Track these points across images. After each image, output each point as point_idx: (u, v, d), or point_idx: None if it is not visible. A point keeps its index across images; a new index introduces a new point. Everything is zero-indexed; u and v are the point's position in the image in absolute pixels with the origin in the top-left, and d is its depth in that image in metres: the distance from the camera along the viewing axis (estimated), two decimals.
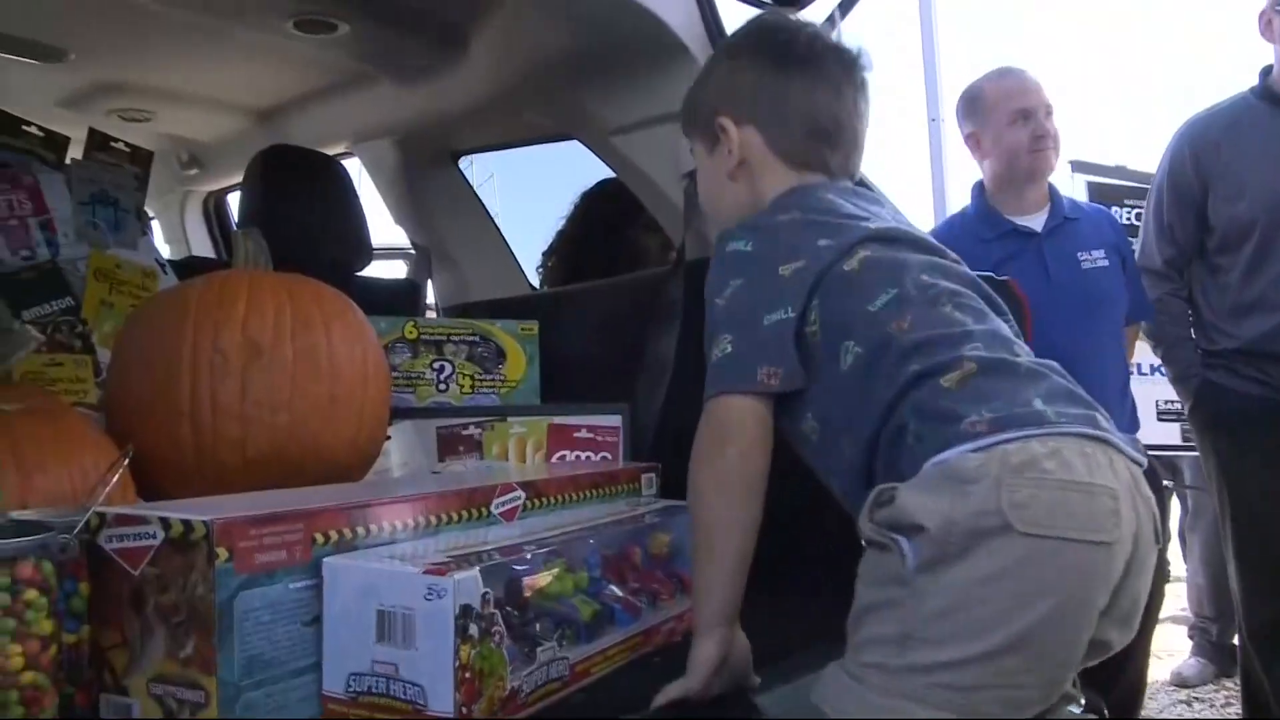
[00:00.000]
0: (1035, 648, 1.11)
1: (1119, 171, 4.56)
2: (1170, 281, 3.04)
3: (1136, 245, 3.07)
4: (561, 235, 2.99)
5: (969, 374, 1.22)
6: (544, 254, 3.01)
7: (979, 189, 2.93)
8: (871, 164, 1.71)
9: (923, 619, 1.12)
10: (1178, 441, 4.44)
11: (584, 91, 2.32)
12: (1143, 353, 4.28)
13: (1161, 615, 5.12)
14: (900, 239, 1.43)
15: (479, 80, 2.44)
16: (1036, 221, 2.84)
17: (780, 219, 1.44)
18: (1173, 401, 4.34)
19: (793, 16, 1.66)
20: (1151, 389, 4.34)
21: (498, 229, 2.93)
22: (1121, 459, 1.19)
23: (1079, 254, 2.80)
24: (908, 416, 1.23)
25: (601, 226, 2.84)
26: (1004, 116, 2.83)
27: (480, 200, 2.95)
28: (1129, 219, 4.45)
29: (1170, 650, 4.65)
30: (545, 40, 2.21)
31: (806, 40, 1.56)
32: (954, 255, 1.47)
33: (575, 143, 2.58)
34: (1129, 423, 2.79)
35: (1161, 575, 1.26)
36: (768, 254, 1.39)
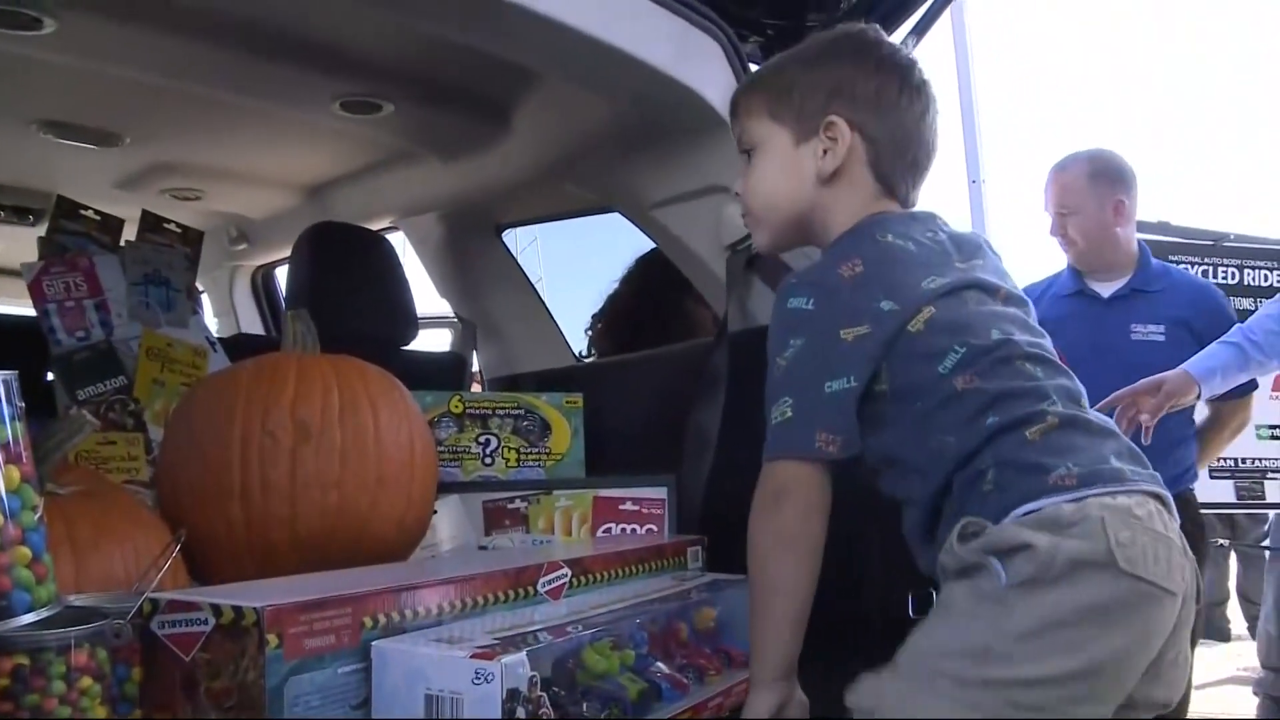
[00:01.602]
0: (1100, 680, 1.15)
1: (1161, 227, 4.53)
2: None
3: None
4: (614, 299, 2.99)
5: (1050, 427, 1.26)
6: (593, 317, 3.01)
7: None
8: None
9: (1007, 635, 1.16)
10: (1232, 499, 4.37)
11: (624, 165, 2.35)
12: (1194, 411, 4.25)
13: (1221, 675, 5.04)
14: (969, 287, 1.39)
15: (521, 155, 2.48)
16: (1107, 288, 2.88)
17: (842, 273, 1.38)
18: (1225, 459, 4.28)
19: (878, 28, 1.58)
20: None
21: (542, 301, 2.95)
22: (1174, 520, 1.26)
23: (1133, 325, 2.84)
24: (988, 465, 1.26)
25: (655, 292, 2.84)
26: None
27: (524, 272, 2.98)
28: None
29: (1230, 712, 4.55)
30: (586, 116, 2.24)
31: (909, 59, 1.53)
32: (1024, 298, 1.46)
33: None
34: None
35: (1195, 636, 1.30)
36: (828, 316, 1.37)
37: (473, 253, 2.94)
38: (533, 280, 3.00)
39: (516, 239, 3.11)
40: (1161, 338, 2.83)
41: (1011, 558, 1.18)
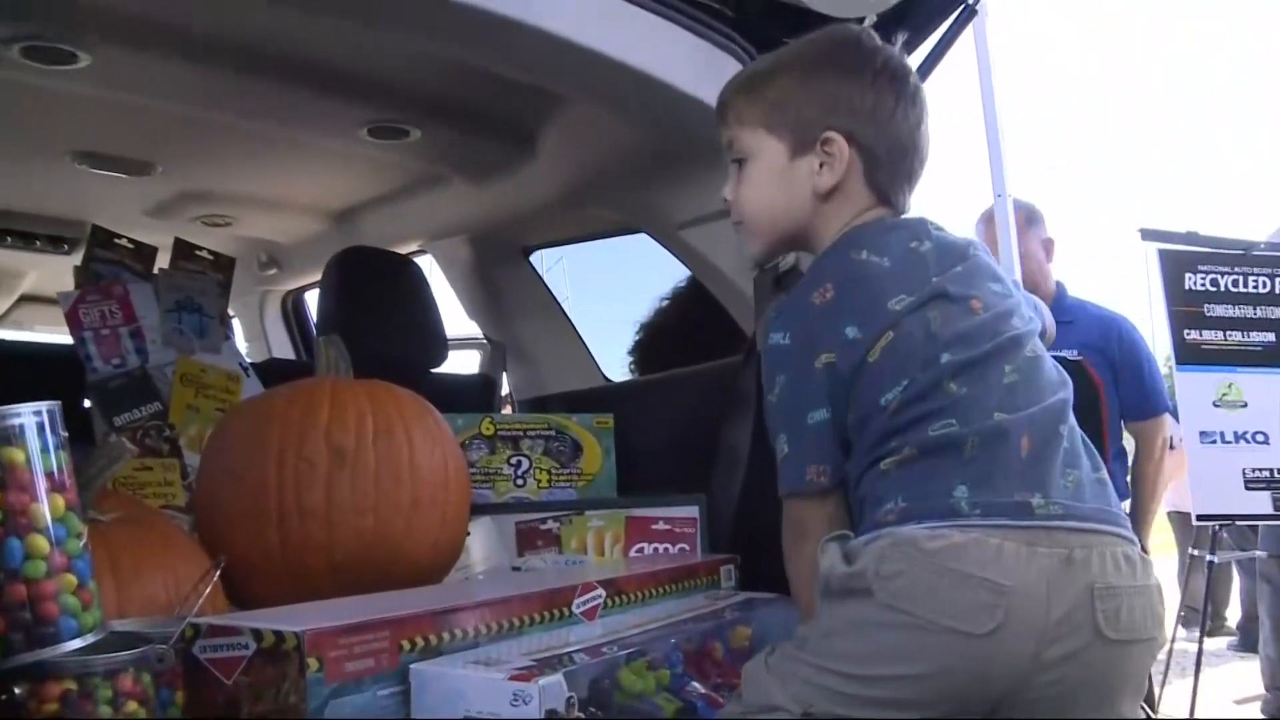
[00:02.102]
0: (883, 689, 1.21)
1: (1189, 238, 4.50)
2: None
3: None
4: (663, 313, 2.97)
5: (906, 459, 1.28)
6: (642, 325, 2.98)
7: None
8: None
9: (815, 631, 1.29)
10: (1269, 510, 4.32)
11: (651, 187, 2.36)
12: (1227, 422, 4.22)
13: (1237, 697, 4.99)
14: (935, 300, 1.36)
15: (547, 178, 2.49)
16: None
17: (814, 300, 1.37)
18: (1260, 469, 4.25)
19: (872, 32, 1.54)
20: (1238, 457, 4.25)
21: (570, 321, 2.96)
22: (1058, 549, 1.21)
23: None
24: (862, 495, 1.33)
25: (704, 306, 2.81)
26: None
27: (552, 293, 2.99)
28: (1202, 284, 4.39)
29: None
30: (612, 139, 2.26)
31: (899, 61, 1.49)
32: (1006, 295, 1.43)
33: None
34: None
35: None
36: (803, 346, 1.35)
37: (500, 275, 2.96)
38: (559, 300, 3.02)
39: (542, 259, 3.12)
40: (1078, 358, 3.04)
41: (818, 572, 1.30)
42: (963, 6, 2.17)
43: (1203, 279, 4.40)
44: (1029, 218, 3.43)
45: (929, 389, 1.29)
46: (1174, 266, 4.37)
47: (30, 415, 1.09)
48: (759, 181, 1.49)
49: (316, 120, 2.34)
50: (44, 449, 1.10)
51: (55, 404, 1.14)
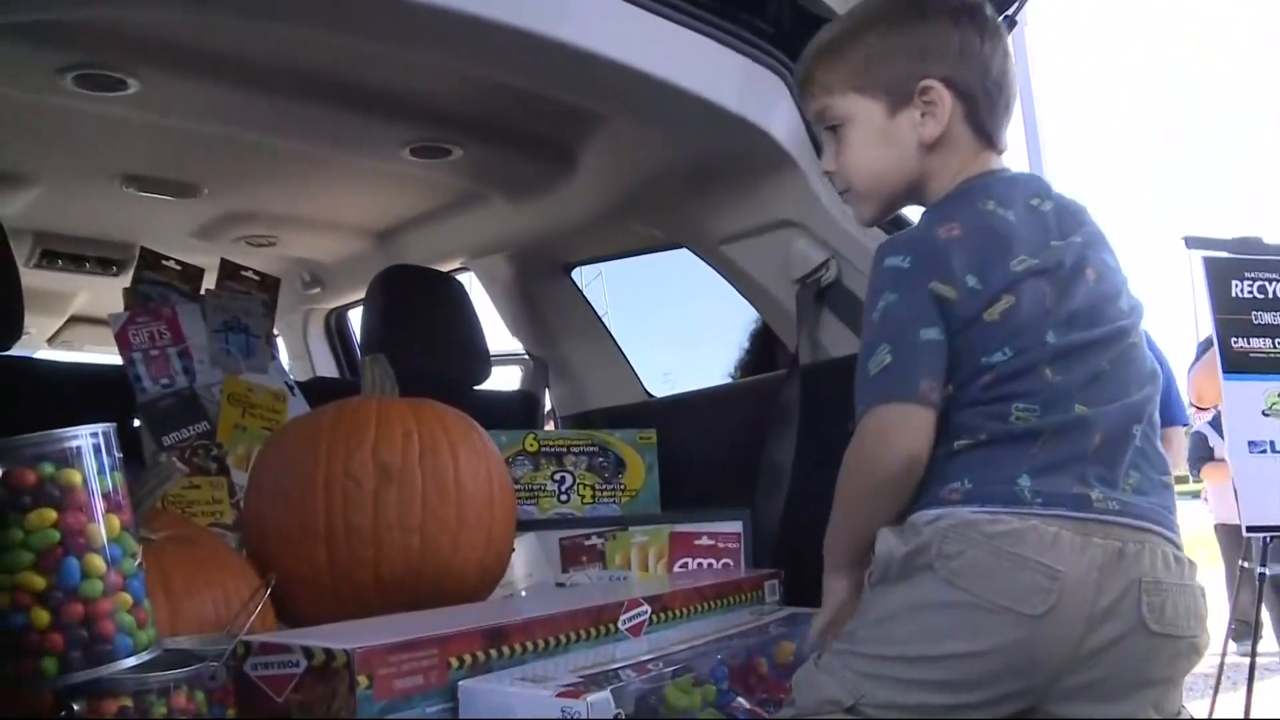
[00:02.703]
0: (941, 671, 1.24)
1: (1236, 244, 4.44)
2: None
3: None
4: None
5: (980, 443, 1.29)
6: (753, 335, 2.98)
7: None
8: None
9: (864, 622, 1.32)
10: None
11: (692, 203, 2.36)
12: (1276, 431, 4.15)
13: None
14: (1055, 269, 1.35)
15: (589, 195, 2.51)
16: None
17: (939, 234, 1.35)
18: None
19: None
20: None
21: (612, 337, 2.97)
22: (1113, 542, 1.24)
23: None
24: (929, 467, 1.31)
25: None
26: None
27: (594, 309, 3.00)
28: (1249, 292, 4.33)
29: None
30: (653, 156, 2.27)
31: (986, 4, 1.47)
32: (1115, 270, 1.42)
33: None
34: None
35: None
36: (923, 269, 1.33)
37: (542, 291, 2.97)
38: (598, 313, 3.03)
39: (581, 273, 3.14)
40: None
41: (874, 559, 1.32)
42: (1001, 18, 2.16)
43: (1250, 286, 4.32)
44: None
45: (1026, 369, 1.30)
46: (1220, 274, 4.31)
47: (87, 437, 1.12)
48: (860, 144, 1.47)
49: (360, 141, 2.36)
50: (100, 470, 1.13)
51: (111, 426, 1.16)
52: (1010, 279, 1.32)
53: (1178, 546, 1.31)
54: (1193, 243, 4.29)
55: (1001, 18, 2.13)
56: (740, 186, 2.24)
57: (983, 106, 1.43)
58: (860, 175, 1.49)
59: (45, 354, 3.74)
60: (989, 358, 1.30)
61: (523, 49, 1.78)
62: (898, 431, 1.30)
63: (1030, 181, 1.45)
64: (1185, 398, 5.22)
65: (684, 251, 2.61)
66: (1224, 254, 4.37)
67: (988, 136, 1.44)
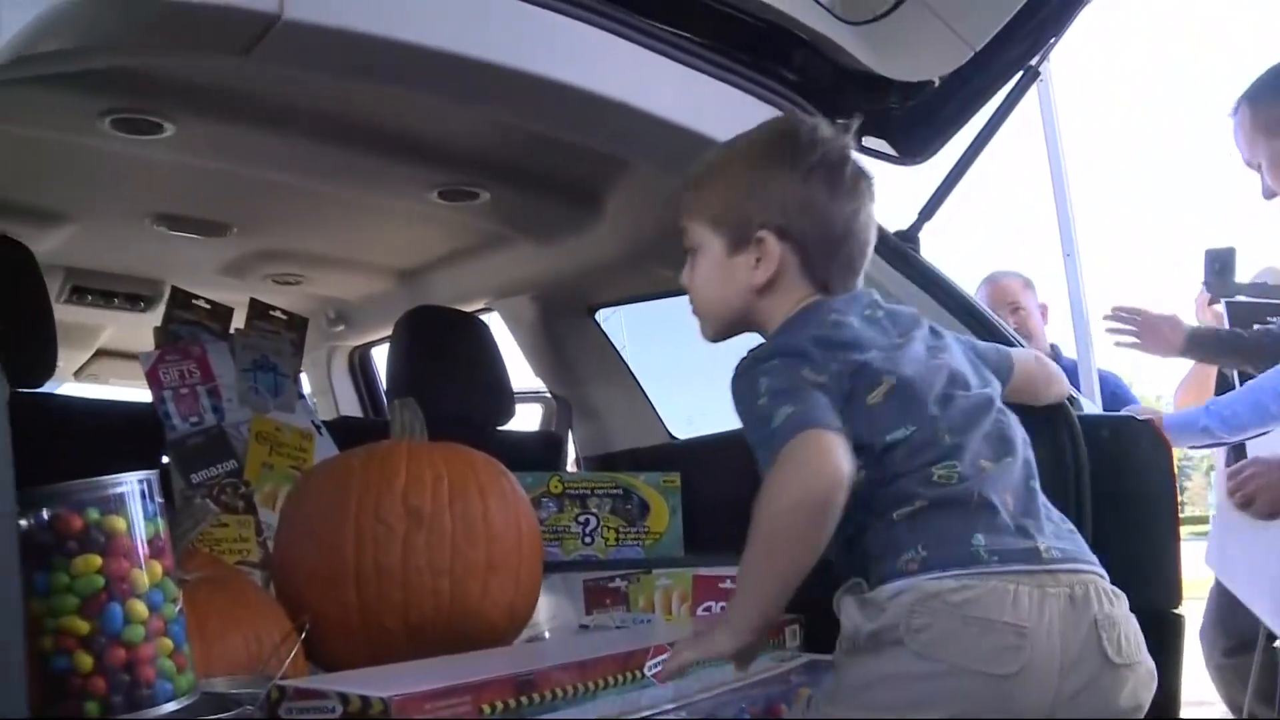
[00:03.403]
0: None
1: (1258, 289, 4.44)
2: None
3: None
4: None
5: (918, 510, 1.32)
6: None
7: None
8: None
9: (843, 688, 1.34)
10: None
11: None
12: None
13: None
14: (912, 354, 1.44)
15: (614, 239, 2.53)
16: None
17: (793, 342, 1.42)
18: None
19: (816, 122, 1.58)
20: None
21: (635, 379, 2.98)
22: (1062, 589, 1.30)
23: None
24: (869, 540, 1.34)
25: None
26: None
27: (618, 351, 3.01)
28: None
29: None
30: (676, 201, 2.29)
31: (838, 151, 1.52)
32: (972, 379, 1.48)
33: None
34: None
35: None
36: (792, 363, 1.38)
37: (566, 333, 2.98)
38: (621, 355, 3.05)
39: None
40: None
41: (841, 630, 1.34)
42: (1025, 69, 2.19)
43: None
44: (1026, 284, 3.72)
45: (929, 440, 1.36)
46: (1243, 318, 4.31)
47: (133, 484, 1.13)
48: (703, 273, 1.56)
49: (389, 183, 2.39)
50: (144, 516, 1.14)
51: (154, 473, 1.18)
52: (873, 368, 1.38)
53: (1109, 581, 1.38)
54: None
55: (1024, 68, 2.19)
56: None
57: (819, 260, 1.50)
58: (700, 301, 1.58)
59: (70, 388, 3.77)
60: (892, 435, 1.35)
61: (551, 98, 1.80)
62: (821, 454, 1.27)
63: (862, 296, 1.53)
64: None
65: None
66: (1248, 299, 4.36)
67: (823, 285, 1.51)
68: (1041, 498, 1.41)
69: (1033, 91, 2.26)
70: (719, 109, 1.94)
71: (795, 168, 1.50)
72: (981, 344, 1.65)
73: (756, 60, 2.03)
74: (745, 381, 1.40)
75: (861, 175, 1.54)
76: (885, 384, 1.38)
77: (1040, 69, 2.19)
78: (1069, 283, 2.81)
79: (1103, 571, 1.38)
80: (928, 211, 2.22)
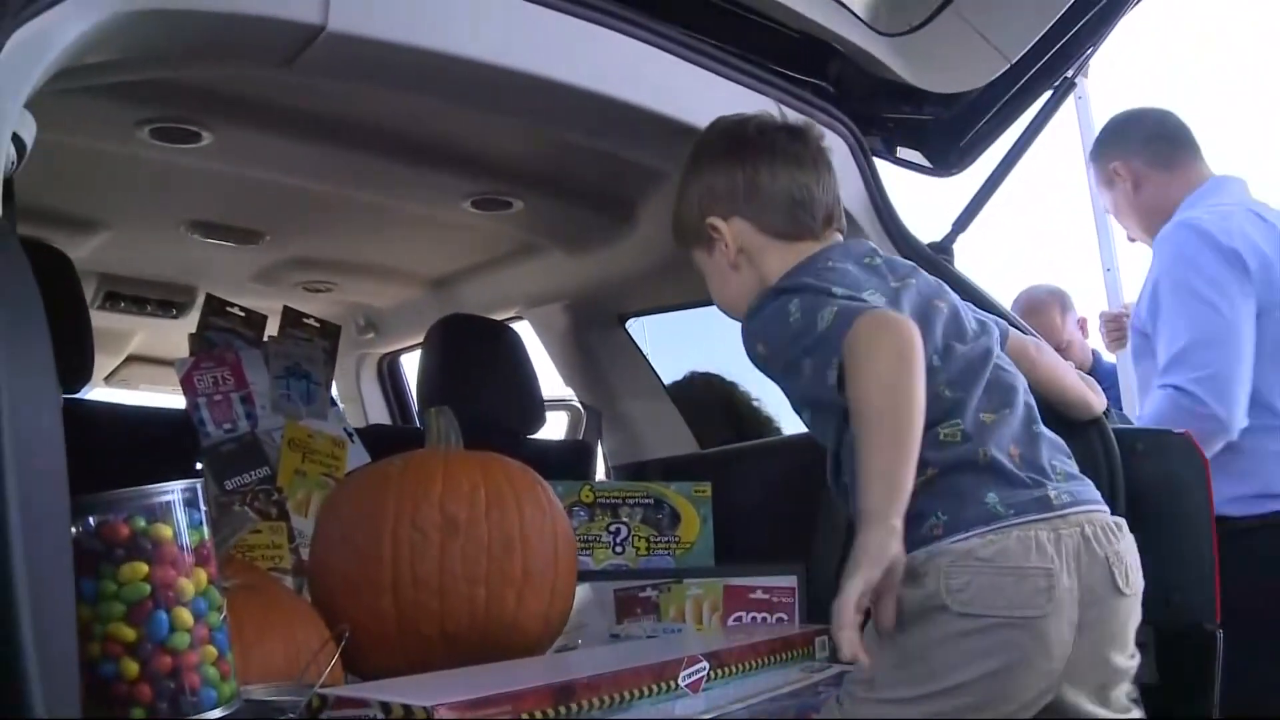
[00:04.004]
0: (975, 694, 1.33)
1: None
2: None
3: None
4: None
5: (930, 478, 1.38)
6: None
7: None
8: None
9: (883, 669, 1.36)
10: None
11: None
12: None
13: None
14: (911, 297, 1.53)
15: (646, 248, 2.53)
16: None
17: (788, 292, 1.51)
18: None
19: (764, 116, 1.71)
20: None
21: (665, 388, 2.98)
22: (1074, 529, 1.39)
23: None
24: None
25: None
26: None
27: (648, 360, 3.01)
28: None
29: None
30: None
31: (756, 128, 1.66)
32: (969, 326, 1.55)
33: None
34: None
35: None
36: (805, 292, 1.49)
37: (597, 342, 2.99)
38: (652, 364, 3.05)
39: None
40: None
41: None
42: (1061, 80, 2.19)
43: None
44: (1064, 305, 3.79)
45: (931, 396, 1.37)
46: None
47: (179, 492, 1.14)
48: (711, 284, 1.72)
49: (422, 192, 2.41)
50: (190, 525, 1.15)
51: (198, 481, 1.19)
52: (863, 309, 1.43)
53: (1111, 514, 1.47)
54: None
55: (1060, 80, 2.18)
56: None
57: (778, 219, 1.62)
58: (724, 307, 1.72)
59: (101, 393, 3.79)
60: None
61: (586, 108, 1.82)
62: (886, 319, 1.38)
63: (858, 245, 1.66)
64: None
65: None
66: None
67: (794, 235, 1.62)
68: (1045, 440, 1.48)
69: (1070, 103, 2.25)
70: None
71: (720, 159, 1.66)
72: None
73: (793, 71, 2.03)
74: (769, 314, 1.51)
75: (800, 138, 1.66)
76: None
77: (1076, 80, 2.18)
78: (1109, 298, 2.80)
79: (1105, 507, 1.47)
80: (962, 223, 2.22)
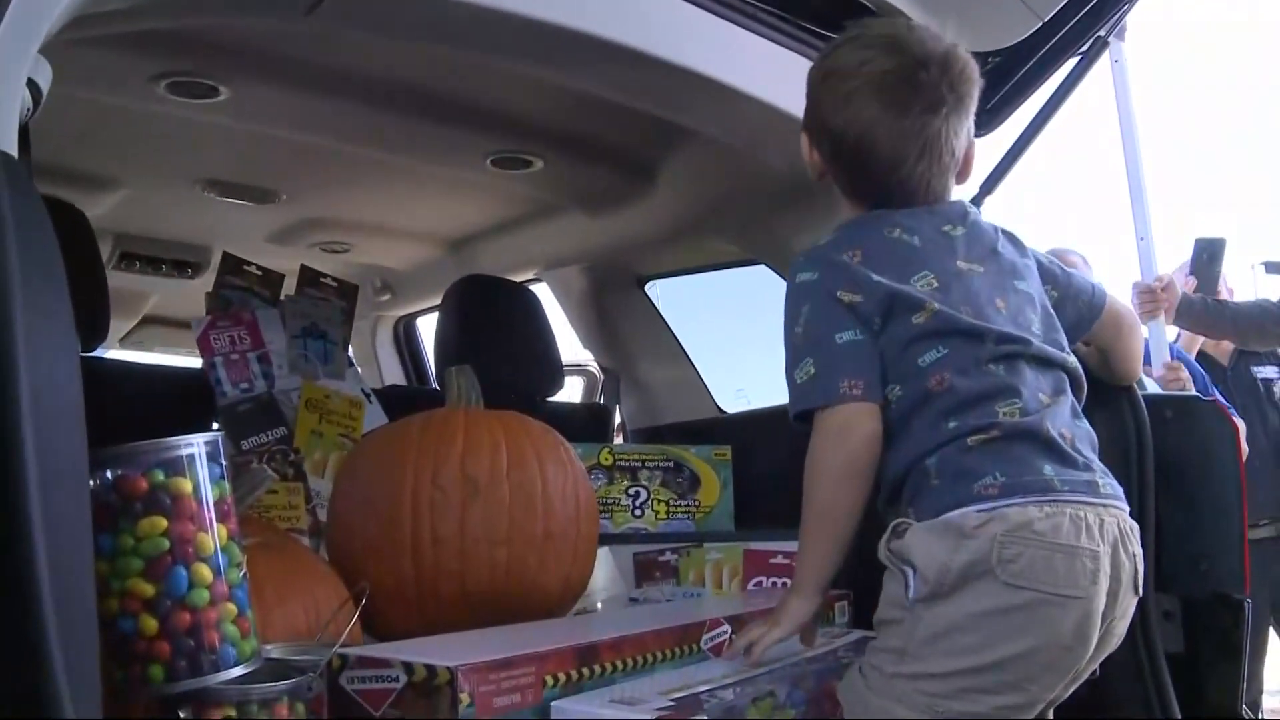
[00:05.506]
0: (1009, 673, 1.32)
1: None
2: None
3: None
4: None
5: (993, 438, 1.38)
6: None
7: None
8: None
9: (916, 640, 1.35)
10: None
11: (773, 219, 2.35)
12: None
13: None
14: (964, 283, 1.47)
15: (668, 210, 2.50)
16: None
17: (842, 257, 1.46)
18: None
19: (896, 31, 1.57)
20: None
21: (684, 351, 2.96)
22: (1114, 520, 1.39)
23: None
24: (934, 465, 1.39)
25: None
26: None
27: (667, 323, 2.99)
28: None
29: None
30: (735, 170, 2.26)
31: (875, 72, 1.49)
32: (1037, 328, 1.50)
33: None
34: None
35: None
36: (829, 281, 1.45)
37: (615, 304, 2.96)
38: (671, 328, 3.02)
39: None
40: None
41: (918, 570, 1.35)
42: (1094, 39, 2.14)
43: None
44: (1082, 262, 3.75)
45: (974, 366, 1.40)
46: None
47: (200, 445, 1.12)
48: None
49: (441, 151, 2.37)
50: (210, 479, 1.13)
51: (218, 434, 1.17)
52: (919, 292, 1.43)
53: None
54: (1271, 268, 4.25)
55: (1093, 38, 2.13)
56: (821, 203, 2.21)
57: (845, 167, 1.54)
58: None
59: (117, 353, 3.78)
60: (921, 359, 1.41)
61: (609, 61, 1.78)
62: (855, 421, 1.40)
63: (949, 210, 1.54)
64: None
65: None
66: None
67: (864, 197, 1.55)
68: (1084, 432, 1.48)
69: (1106, 67, 2.20)
70: (780, 74, 1.91)
71: (836, 72, 1.54)
72: (1076, 279, 1.65)
73: (823, 29, 1.99)
74: (793, 297, 1.49)
75: (953, 78, 1.51)
76: (927, 310, 1.42)
77: (1110, 40, 2.14)
78: (1142, 268, 2.75)
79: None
80: (990, 184, 2.18)
